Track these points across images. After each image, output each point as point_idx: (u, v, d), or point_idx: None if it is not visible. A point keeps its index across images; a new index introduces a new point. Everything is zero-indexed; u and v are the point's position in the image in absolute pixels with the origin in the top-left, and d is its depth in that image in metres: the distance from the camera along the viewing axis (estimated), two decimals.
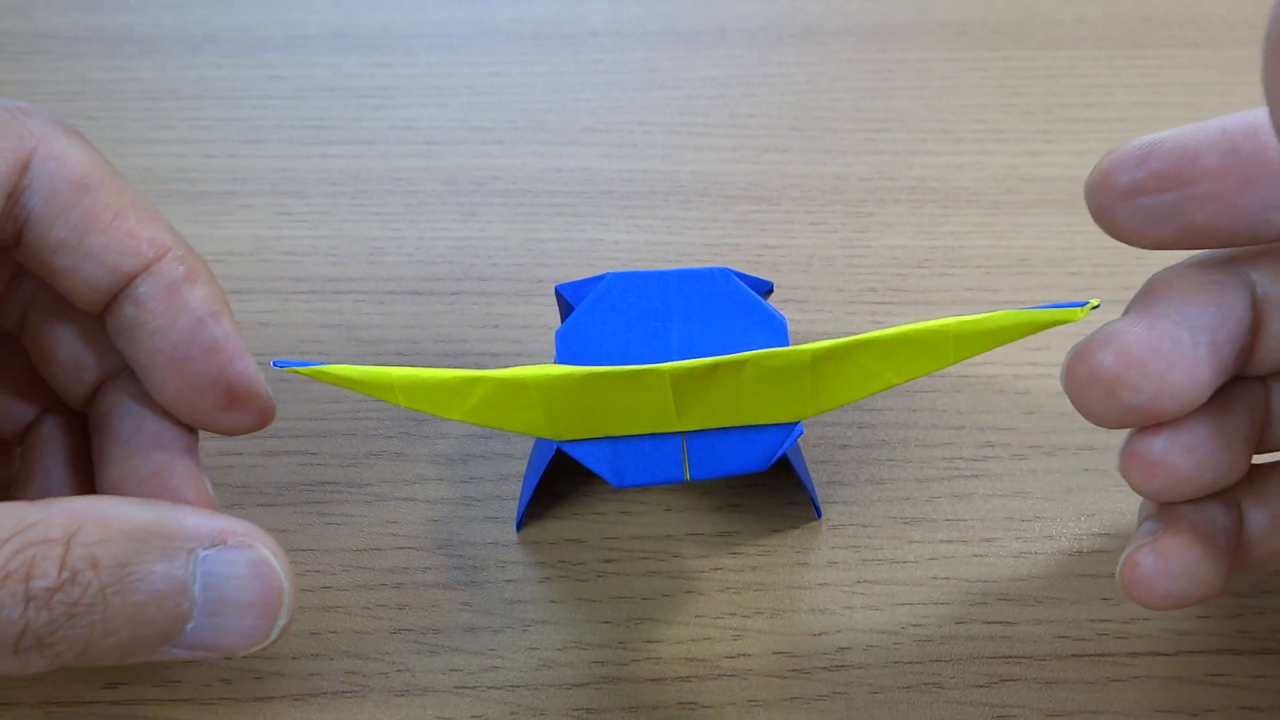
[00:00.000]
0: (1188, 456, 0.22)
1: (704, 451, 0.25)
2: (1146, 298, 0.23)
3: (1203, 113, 0.45)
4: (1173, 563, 0.22)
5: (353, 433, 0.33)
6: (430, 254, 0.39)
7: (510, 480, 0.32)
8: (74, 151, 0.24)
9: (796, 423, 0.25)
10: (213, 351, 0.25)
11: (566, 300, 0.29)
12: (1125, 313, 0.23)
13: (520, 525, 0.30)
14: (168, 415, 0.26)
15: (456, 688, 0.27)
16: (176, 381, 0.25)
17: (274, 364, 0.24)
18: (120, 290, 0.24)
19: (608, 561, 0.30)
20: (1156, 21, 0.50)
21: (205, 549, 0.22)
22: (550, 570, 0.30)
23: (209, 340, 0.25)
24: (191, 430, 0.26)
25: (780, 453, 0.25)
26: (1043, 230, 0.39)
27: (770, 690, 0.27)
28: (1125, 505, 0.31)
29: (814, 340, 0.23)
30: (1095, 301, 0.22)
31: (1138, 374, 0.21)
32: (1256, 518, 0.24)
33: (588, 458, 0.25)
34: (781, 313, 0.34)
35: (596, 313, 0.28)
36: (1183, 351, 0.21)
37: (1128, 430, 0.23)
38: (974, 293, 0.37)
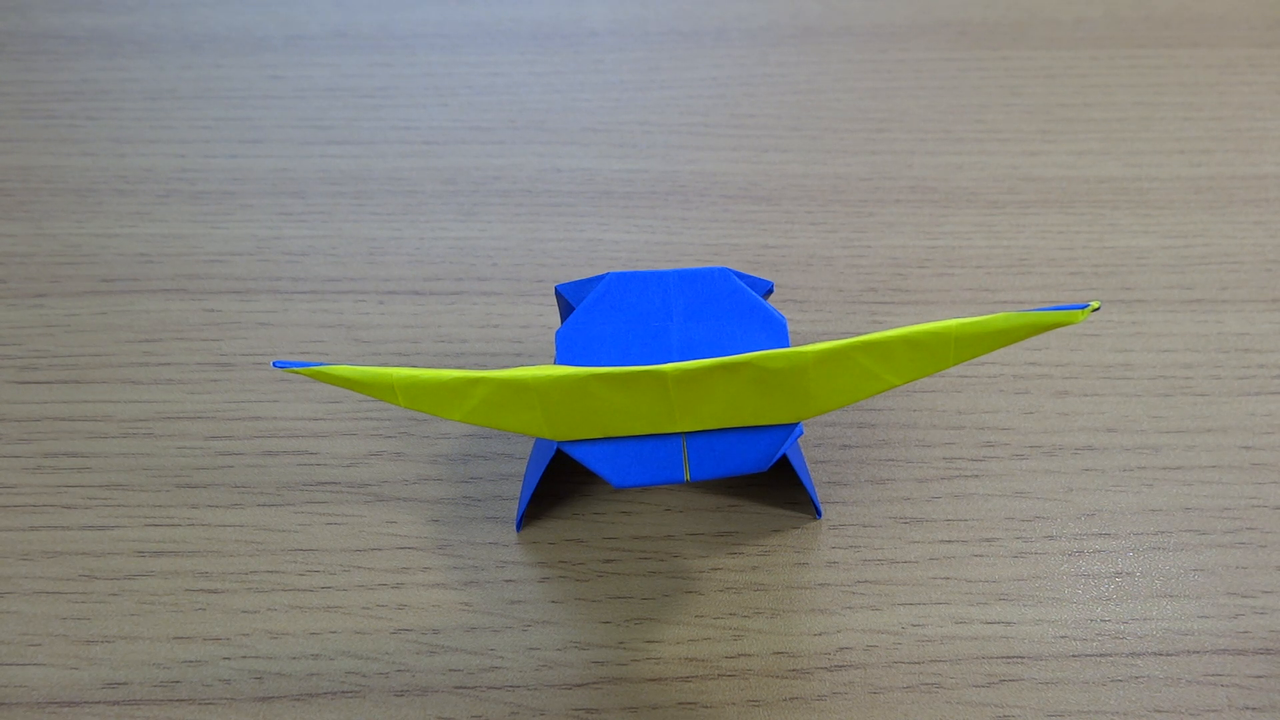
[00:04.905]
0: None
1: (704, 452, 0.25)
2: None
3: (1202, 113, 0.45)
4: None
5: (353, 433, 0.33)
6: (430, 254, 0.39)
7: (510, 480, 0.32)
8: None
9: (796, 423, 0.25)
10: None
11: (566, 300, 0.29)
12: None
13: (520, 525, 0.30)
14: None
15: (456, 688, 0.27)
16: None
17: (274, 364, 0.24)
18: None
19: (608, 561, 0.30)
20: (1156, 21, 0.50)
21: None
22: (550, 570, 0.30)
23: None
24: None
25: (780, 453, 0.25)
26: (1042, 230, 0.39)
27: (770, 690, 0.27)
28: (1125, 505, 0.31)
29: (814, 340, 0.23)
30: (1096, 304, 0.22)
31: None
32: None
33: (588, 458, 0.25)
34: (781, 313, 0.34)
35: (596, 313, 0.28)
36: None
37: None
38: (974, 293, 0.37)
